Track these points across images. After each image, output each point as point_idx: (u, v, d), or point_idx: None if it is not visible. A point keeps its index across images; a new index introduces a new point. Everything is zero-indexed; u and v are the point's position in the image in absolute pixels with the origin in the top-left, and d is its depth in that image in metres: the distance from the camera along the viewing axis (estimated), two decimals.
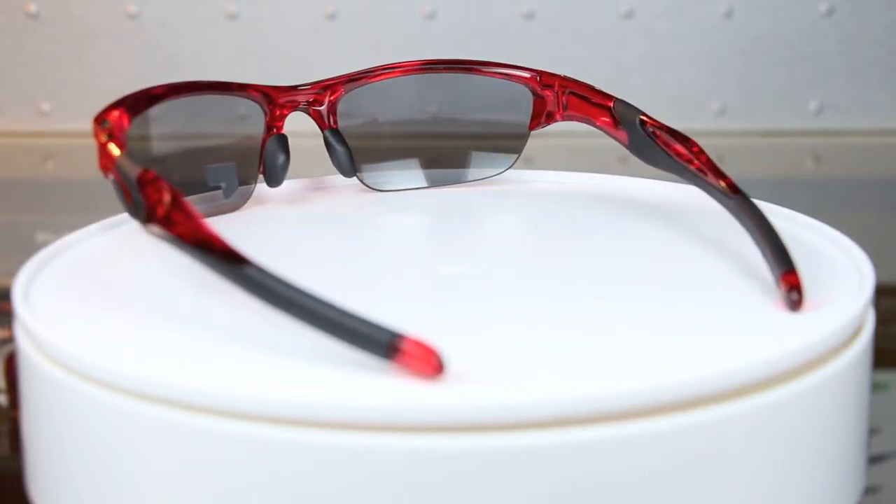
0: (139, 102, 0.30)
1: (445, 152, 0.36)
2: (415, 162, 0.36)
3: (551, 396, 0.22)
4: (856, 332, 0.26)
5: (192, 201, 0.32)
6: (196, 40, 0.70)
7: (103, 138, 0.28)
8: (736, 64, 0.71)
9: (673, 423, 0.22)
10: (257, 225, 0.33)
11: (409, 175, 0.36)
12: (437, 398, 0.22)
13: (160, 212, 0.25)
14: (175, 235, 0.25)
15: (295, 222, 0.34)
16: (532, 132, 0.36)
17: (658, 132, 0.32)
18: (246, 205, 0.34)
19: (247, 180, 0.34)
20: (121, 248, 0.31)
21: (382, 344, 0.22)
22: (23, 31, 0.70)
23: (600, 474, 0.22)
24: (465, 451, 0.22)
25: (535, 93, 0.35)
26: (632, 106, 0.33)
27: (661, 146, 0.31)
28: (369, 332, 0.22)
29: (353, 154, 0.35)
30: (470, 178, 0.36)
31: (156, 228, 0.25)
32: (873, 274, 0.27)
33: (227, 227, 0.30)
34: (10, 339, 0.32)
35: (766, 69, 0.71)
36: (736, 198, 0.28)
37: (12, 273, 0.28)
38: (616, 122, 0.33)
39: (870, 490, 0.29)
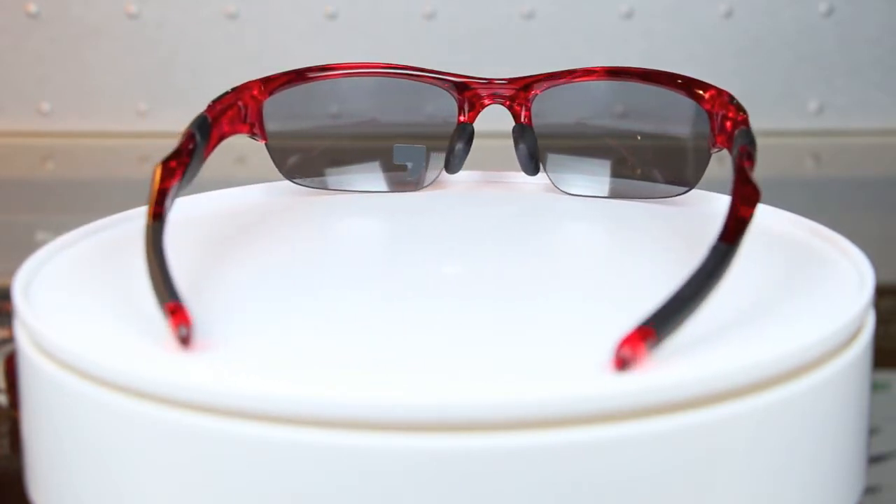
0: (300, 76, 0.38)
1: (629, 164, 0.36)
2: (599, 169, 0.36)
3: (547, 396, 0.22)
4: (856, 333, 0.26)
5: (377, 175, 0.36)
6: (196, 40, 0.70)
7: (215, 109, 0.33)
8: (736, 64, 0.71)
9: (673, 423, 0.22)
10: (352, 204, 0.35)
11: (591, 182, 0.36)
12: (438, 397, 0.22)
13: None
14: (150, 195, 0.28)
15: (390, 206, 0.35)
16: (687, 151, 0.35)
17: (738, 166, 0.29)
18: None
19: (432, 164, 0.36)
20: (121, 246, 0.31)
21: (163, 306, 0.25)
22: (23, 31, 0.70)
23: (600, 475, 0.22)
24: (463, 451, 0.22)
25: (711, 114, 0.34)
26: (745, 135, 0.31)
27: (734, 177, 0.30)
28: (162, 296, 0.25)
29: (537, 153, 0.35)
30: (650, 195, 0.35)
31: None
32: (873, 275, 0.27)
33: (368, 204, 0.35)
34: (10, 339, 0.32)
35: (766, 69, 0.71)
36: (715, 244, 0.26)
37: (12, 272, 0.28)
38: (730, 149, 0.32)
39: (870, 490, 0.29)
